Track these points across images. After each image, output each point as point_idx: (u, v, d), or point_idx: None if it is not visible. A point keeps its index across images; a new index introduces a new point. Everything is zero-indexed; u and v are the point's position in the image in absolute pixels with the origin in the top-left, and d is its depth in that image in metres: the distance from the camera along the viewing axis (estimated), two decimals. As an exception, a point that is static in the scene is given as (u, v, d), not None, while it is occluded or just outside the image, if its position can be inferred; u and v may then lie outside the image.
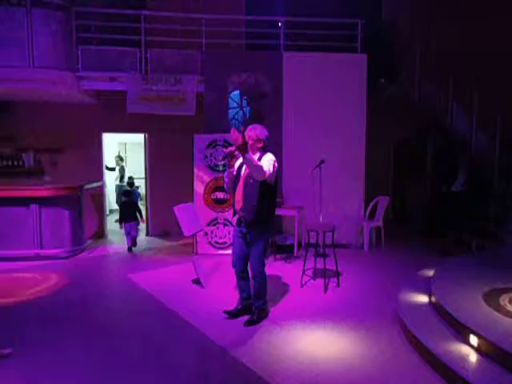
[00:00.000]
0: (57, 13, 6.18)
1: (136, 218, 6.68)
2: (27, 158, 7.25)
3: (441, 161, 7.53)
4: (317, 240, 4.70)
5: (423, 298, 3.96)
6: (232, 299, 4.18)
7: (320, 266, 4.77)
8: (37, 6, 5.98)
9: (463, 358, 2.82)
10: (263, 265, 3.65)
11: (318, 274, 4.94)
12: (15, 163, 7.18)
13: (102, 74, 6.56)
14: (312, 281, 4.89)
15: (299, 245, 6.29)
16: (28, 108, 7.13)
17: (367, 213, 6.60)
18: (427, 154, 7.88)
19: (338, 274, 4.84)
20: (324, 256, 4.75)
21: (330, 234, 4.68)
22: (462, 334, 3.06)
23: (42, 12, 6.06)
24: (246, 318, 3.74)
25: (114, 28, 6.62)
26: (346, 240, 6.58)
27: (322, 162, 5.62)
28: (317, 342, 3.37)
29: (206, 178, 6.33)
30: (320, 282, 4.75)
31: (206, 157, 6.34)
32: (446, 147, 7.45)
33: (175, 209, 4.75)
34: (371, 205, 6.61)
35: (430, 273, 4.51)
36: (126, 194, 7.00)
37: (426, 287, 4.12)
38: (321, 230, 4.71)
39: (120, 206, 7.33)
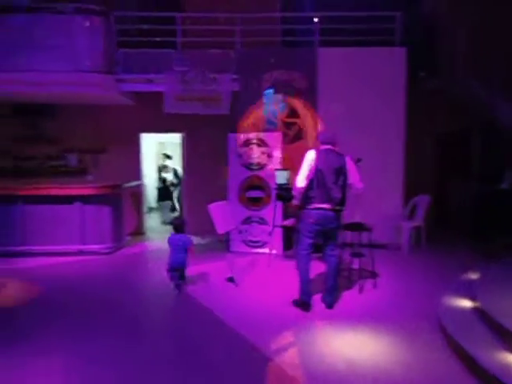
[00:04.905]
0: (97, 18, 6.43)
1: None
2: (71, 159, 7.62)
3: (486, 158, 7.11)
4: (353, 239, 4.59)
5: (466, 303, 3.76)
6: (265, 298, 4.17)
7: (356, 266, 4.65)
8: (79, 13, 6.29)
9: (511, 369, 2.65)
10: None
11: (353, 274, 4.82)
12: (60, 163, 7.57)
13: (140, 76, 6.76)
14: (347, 281, 4.78)
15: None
16: (71, 111, 7.47)
17: (406, 212, 6.36)
18: (471, 150, 7.46)
19: (374, 275, 4.70)
20: (360, 256, 4.63)
21: (367, 233, 4.55)
22: (509, 343, 2.87)
23: (83, 18, 6.34)
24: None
25: (150, 31, 6.80)
26: (383, 240, 6.37)
27: (359, 160, 5.45)
28: (352, 344, 3.29)
29: (241, 177, 6.36)
30: (356, 282, 4.63)
31: (240, 156, 6.37)
32: (492, 144, 7.02)
33: (210, 207, 4.81)
34: (410, 204, 6.35)
35: (474, 277, 4.29)
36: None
37: (469, 292, 3.90)
38: (357, 229, 4.58)
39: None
